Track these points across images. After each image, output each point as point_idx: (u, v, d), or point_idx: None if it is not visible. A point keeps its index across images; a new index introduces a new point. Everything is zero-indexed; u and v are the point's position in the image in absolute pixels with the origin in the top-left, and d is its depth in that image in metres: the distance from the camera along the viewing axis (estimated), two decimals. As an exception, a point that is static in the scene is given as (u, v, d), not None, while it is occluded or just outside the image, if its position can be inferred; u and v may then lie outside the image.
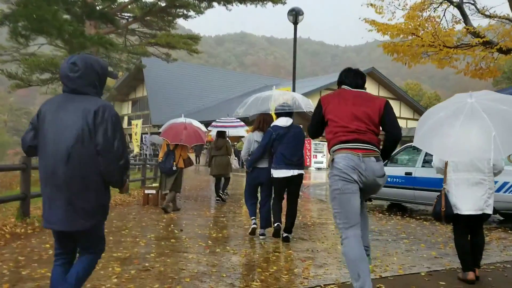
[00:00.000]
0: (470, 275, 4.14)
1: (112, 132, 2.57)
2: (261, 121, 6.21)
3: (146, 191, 9.41)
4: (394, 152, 10.21)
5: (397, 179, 9.40)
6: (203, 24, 76.65)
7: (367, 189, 3.32)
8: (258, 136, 6.11)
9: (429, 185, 8.57)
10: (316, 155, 28.38)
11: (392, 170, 9.61)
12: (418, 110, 37.35)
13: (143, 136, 32.49)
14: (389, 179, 9.65)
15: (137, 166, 19.05)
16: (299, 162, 5.70)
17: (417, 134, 4.03)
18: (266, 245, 5.56)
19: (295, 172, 5.63)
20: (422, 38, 8.10)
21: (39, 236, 5.85)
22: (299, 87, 20.04)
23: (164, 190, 8.74)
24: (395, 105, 35.96)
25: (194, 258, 4.75)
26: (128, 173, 2.68)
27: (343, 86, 3.56)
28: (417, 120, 37.09)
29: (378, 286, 3.91)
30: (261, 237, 5.93)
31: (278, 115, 5.93)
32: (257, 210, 6.26)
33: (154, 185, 9.87)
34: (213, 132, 12.53)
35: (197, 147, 30.12)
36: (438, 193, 4.48)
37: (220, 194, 10.30)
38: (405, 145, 10.18)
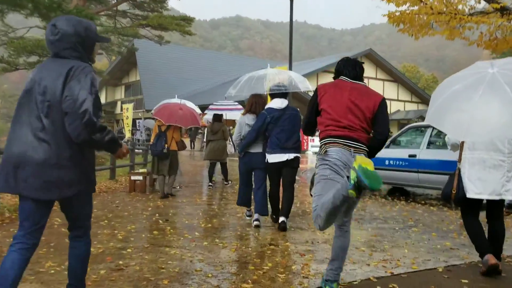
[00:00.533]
0: (491, 260, 3.57)
1: (78, 87, 2.37)
2: (253, 103, 5.76)
3: (133, 177, 8.76)
4: (396, 134, 9.63)
5: (400, 162, 8.81)
6: (198, 8, 75.59)
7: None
8: (250, 119, 5.66)
9: (434, 168, 8.02)
10: (313, 139, 27.77)
11: (394, 153, 9.05)
12: (416, 92, 36.80)
13: (137, 121, 31.84)
14: (391, 162, 9.12)
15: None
16: (295, 145, 5.33)
17: (430, 109, 3.50)
18: (261, 236, 4.97)
19: (291, 155, 5.27)
20: (431, 7, 7.38)
21: (6, 228, 5.22)
22: (296, 70, 19.34)
23: (156, 174, 8.21)
24: (392, 87, 35.38)
25: (177, 254, 4.13)
26: (112, 136, 2.43)
27: (341, 77, 3.31)
28: (415, 102, 36.81)
29: (391, 286, 3.33)
30: (254, 222, 5.43)
31: (273, 96, 5.52)
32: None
33: (141, 170, 9.21)
34: (208, 116, 12.14)
35: (192, 132, 29.70)
36: (448, 176, 3.96)
37: (225, 183, 10.05)
38: (408, 126, 9.59)
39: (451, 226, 5.75)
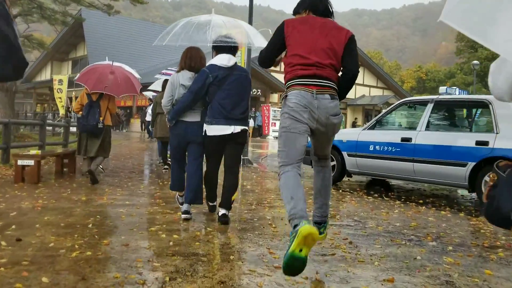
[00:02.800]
0: None
1: None
2: (187, 57, 4.59)
3: (20, 162, 6.08)
4: (384, 112, 7.47)
5: (390, 147, 6.67)
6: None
7: (322, 129, 2.92)
8: (185, 78, 4.47)
9: (437, 156, 5.95)
10: (274, 123, 26.21)
11: (382, 136, 6.90)
12: (381, 77, 35.64)
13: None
14: (377, 148, 6.94)
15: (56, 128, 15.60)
16: (243, 116, 4.38)
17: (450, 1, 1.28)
18: (194, 270, 2.59)
19: (237, 128, 4.30)
20: None
21: None
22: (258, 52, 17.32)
23: (82, 155, 6.49)
24: (358, 72, 33.85)
25: None
26: None
27: (310, 13, 3.02)
28: (380, 88, 35.47)
29: None
30: (183, 216, 4.27)
31: (218, 50, 4.43)
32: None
33: (32, 152, 6.57)
34: (147, 92, 10.00)
35: (143, 112, 27.83)
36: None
37: (161, 164, 8.55)
38: (400, 101, 7.44)
39: (499, 251, 3.56)
